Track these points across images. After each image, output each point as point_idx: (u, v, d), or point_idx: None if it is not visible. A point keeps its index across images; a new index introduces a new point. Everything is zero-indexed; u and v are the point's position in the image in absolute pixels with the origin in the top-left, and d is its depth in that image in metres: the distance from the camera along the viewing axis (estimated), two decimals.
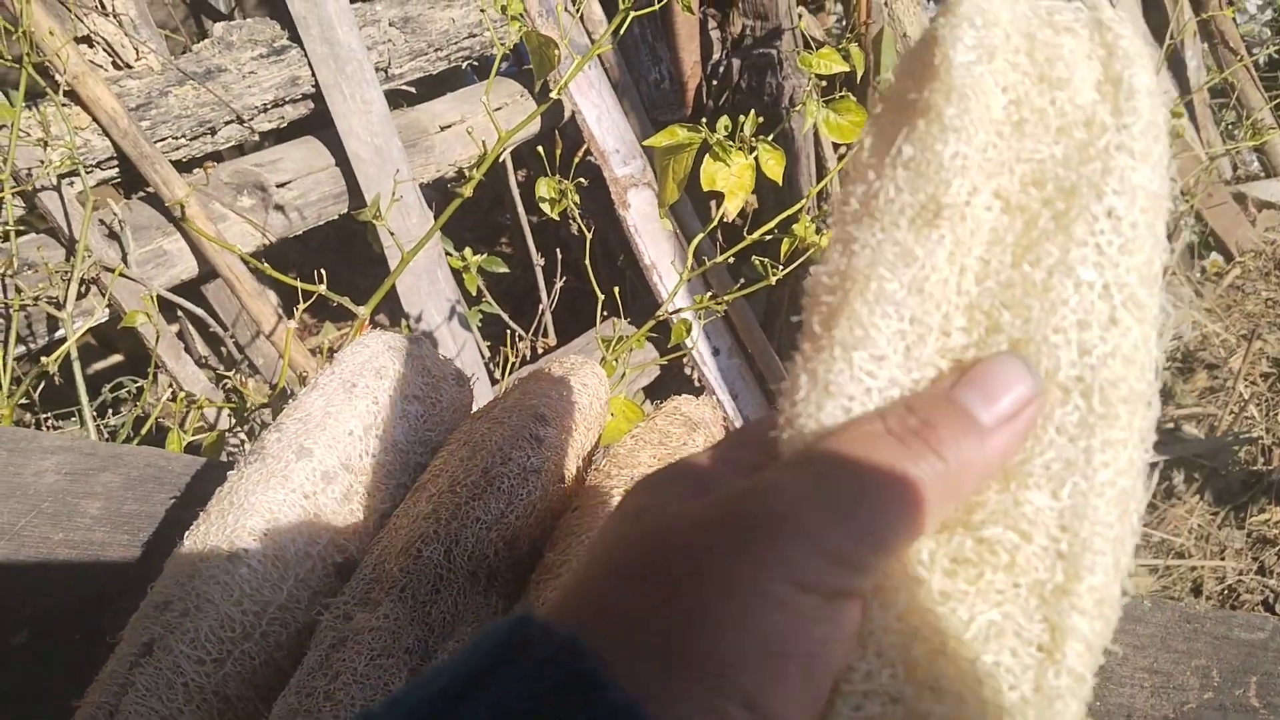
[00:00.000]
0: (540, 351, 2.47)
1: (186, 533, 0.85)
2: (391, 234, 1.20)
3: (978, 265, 0.38)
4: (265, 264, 1.25)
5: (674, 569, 0.33)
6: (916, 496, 0.34)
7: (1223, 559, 2.25)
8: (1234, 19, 3.00)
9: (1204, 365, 2.67)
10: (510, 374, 1.52)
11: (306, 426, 0.88)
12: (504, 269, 2.27)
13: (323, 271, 1.16)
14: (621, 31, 1.08)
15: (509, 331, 2.26)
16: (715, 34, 2.49)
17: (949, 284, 0.37)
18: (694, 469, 0.40)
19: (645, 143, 1.22)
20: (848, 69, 1.48)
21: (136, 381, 1.76)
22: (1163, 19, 2.91)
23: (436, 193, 2.39)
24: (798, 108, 1.37)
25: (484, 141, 1.08)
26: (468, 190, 1.13)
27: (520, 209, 2.51)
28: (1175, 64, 2.96)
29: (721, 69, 2.49)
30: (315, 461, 0.85)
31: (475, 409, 1.04)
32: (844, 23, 2.46)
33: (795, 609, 0.32)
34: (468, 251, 2.20)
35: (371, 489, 0.88)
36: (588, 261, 1.34)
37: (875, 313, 0.37)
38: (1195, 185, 2.86)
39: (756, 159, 1.26)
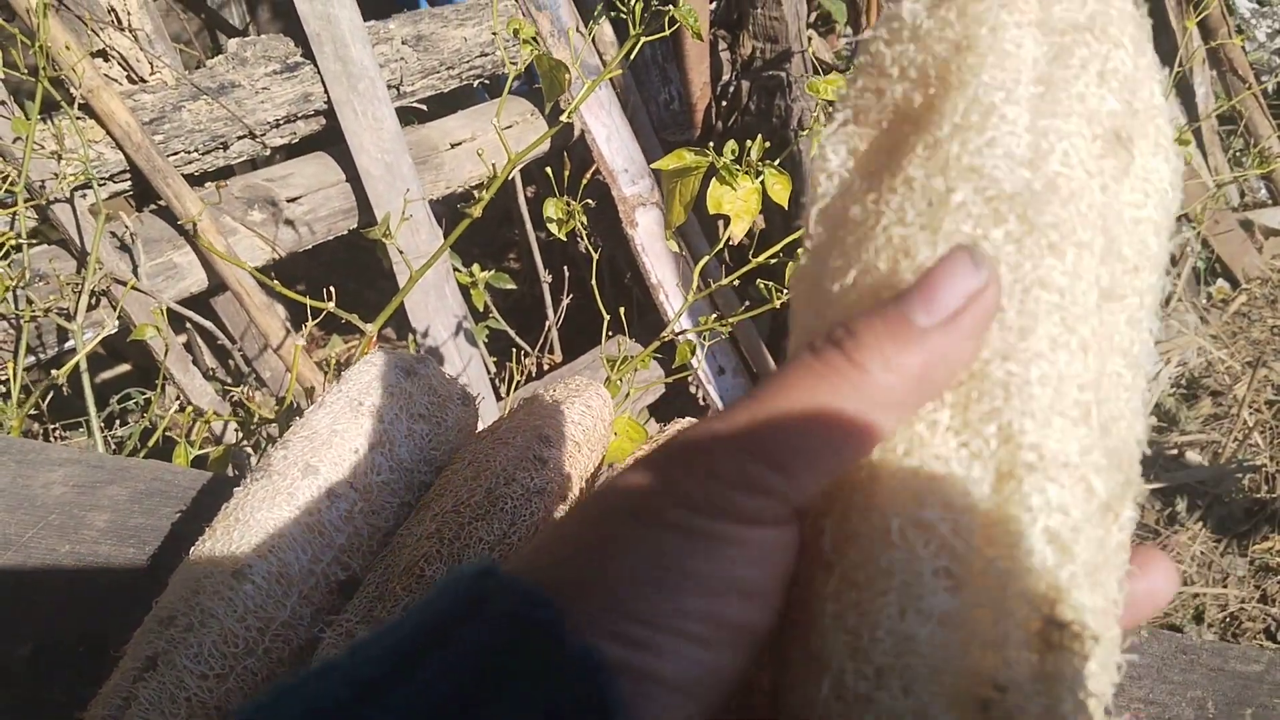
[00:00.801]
0: (546, 368, 2.48)
1: (192, 548, 0.85)
2: (400, 252, 1.21)
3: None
4: (275, 280, 1.26)
5: (592, 505, 0.35)
6: (830, 414, 0.33)
7: (1225, 586, 2.24)
8: (1243, 47, 3.01)
9: (1209, 392, 2.67)
10: (515, 390, 1.53)
11: (313, 444, 0.89)
12: (511, 286, 2.28)
13: (331, 289, 1.17)
14: (632, 56, 1.09)
15: (515, 348, 2.27)
16: (725, 56, 2.51)
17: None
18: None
19: (653, 165, 1.23)
20: None
21: (144, 393, 1.77)
22: (1172, 45, 2.91)
23: (446, 209, 2.40)
24: (806, 131, 1.38)
25: (494, 164, 1.09)
26: (476, 211, 1.14)
27: (528, 226, 2.52)
28: (1184, 91, 2.97)
29: (731, 90, 2.50)
30: (321, 479, 0.86)
31: (480, 428, 1.05)
32: (853, 46, 2.47)
33: (693, 531, 0.32)
34: (475, 268, 2.21)
35: (376, 507, 0.88)
36: (594, 281, 1.35)
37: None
38: (1202, 212, 2.86)
39: (763, 183, 1.27)
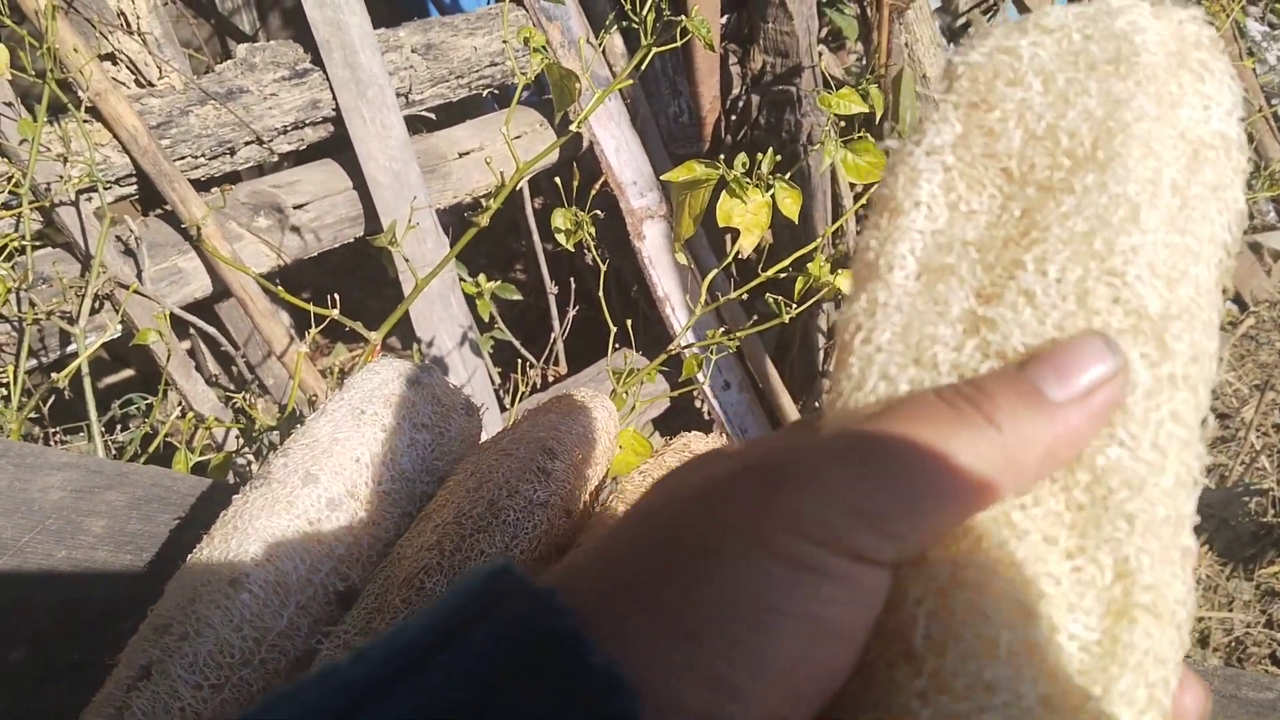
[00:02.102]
0: (551, 380, 2.47)
1: (189, 556, 0.84)
2: (406, 260, 1.20)
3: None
4: (279, 287, 1.26)
5: (669, 523, 0.31)
6: (960, 463, 0.31)
7: (1230, 610, 2.23)
8: (1254, 69, 3.00)
9: (1216, 414, 2.66)
10: (520, 402, 1.52)
11: (313, 452, 0.88)
12: (517, 296, 2.27)
13: (336, 296, 1.16)
14: (643, 67, 1.08)
15: (520, 359, 2.26)
16: (735, 69, 2.50)
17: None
18: (731, 449, 0.37)
19: (663, 177, 1.22)
20: (867, 110, 1.48)
21: (146, 398, 1.77)
22: None
23: (453, 218, 2.40)
24: (816, 146, 1.37)
25: (502, 172, 1.09)
26: (484, 220, 1.13)
27: (535, 237, 2.51)
28: None
29: (741, 104, 2.50)
30: (321, 488, 0.85)
31: (484, 438, 1.04)
32: (864, 62, 2.46)
33: (799, 563, 0.29)
34: (481, 278, 2.21)
35: (376, 517, 0.87)
36: (601, 293, 1.34)
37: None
38: None
39: (773, 197, 1.26)
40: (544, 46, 1.17)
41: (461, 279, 2.17)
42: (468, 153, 2.25)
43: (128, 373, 2.48)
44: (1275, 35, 3.19)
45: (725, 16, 2.47)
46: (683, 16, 1.08)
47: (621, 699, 0.27)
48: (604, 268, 1.29)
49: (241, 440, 1.58)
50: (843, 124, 1.58)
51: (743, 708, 0.28)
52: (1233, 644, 2.17)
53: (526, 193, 2.48)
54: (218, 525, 0.84)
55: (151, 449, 1.47)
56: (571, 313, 2.39)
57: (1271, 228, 3.11)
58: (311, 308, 1.17)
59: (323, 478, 0.85)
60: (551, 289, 2.49)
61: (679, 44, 1.12)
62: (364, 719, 0.27)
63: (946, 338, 0.35)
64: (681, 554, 0.30)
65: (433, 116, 2.24)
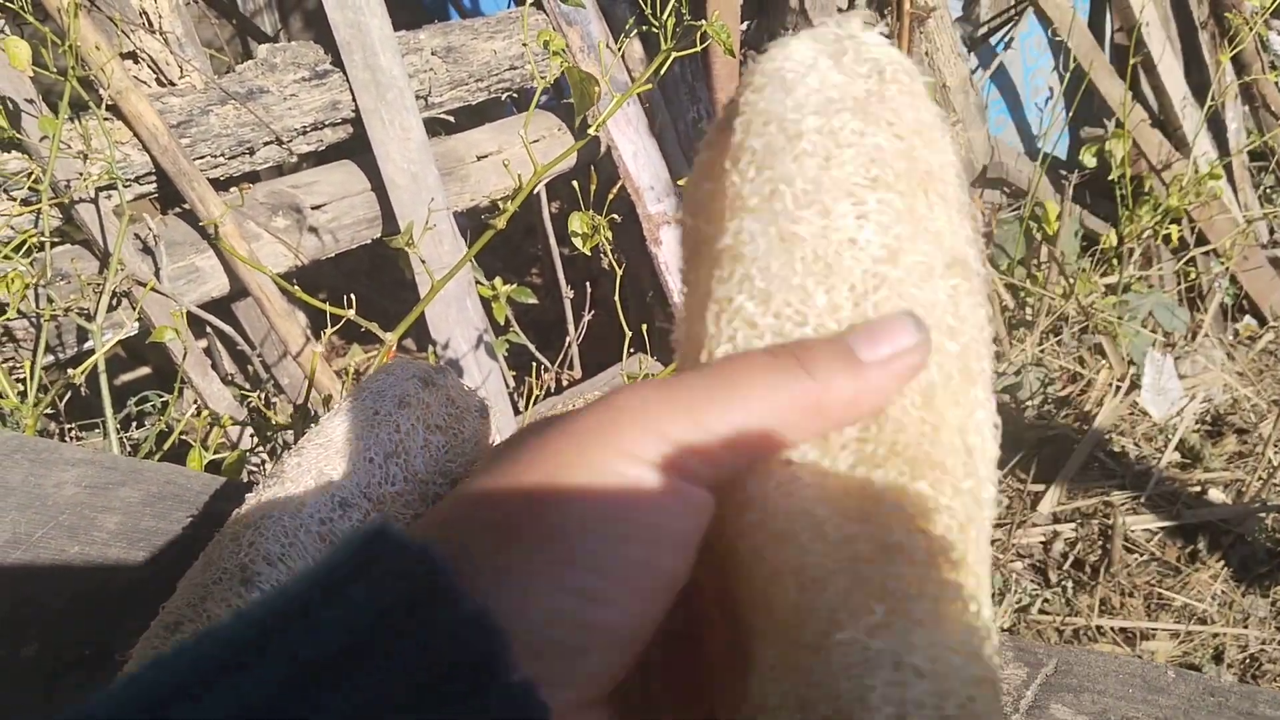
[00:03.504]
0: (565, 384, 2.47)
1: (201, 554, 0.84)
2: (423, 262, 1.20)
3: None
4: (297, 287, 1.26)
5: (528, 463, 0.35)
6: (772, 402, 0.37)
7: (1245, 627, 2.21)
8: (1276, 83, 2.99)
9: (1234, 430, 2.64)
10: (534, 405, 1.52)
11: (327, 452, 0.88)
12: (533, 300, 2.27)
13: (353, 296, 1.16)
14: (662, 72, 1.08)
15: (535, 363, 2.26)
16: None
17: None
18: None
19: (680, 182, 1.21)
20: None
21: (162, 396, 1.77)
22: (1204, 80, 2.90)
23: (470, 221, 2.40)
24: None
25: (520, 175, 1.09)
26: (501, 222, 1.13)
27: (552, 240, 2.51)
28: (1215, 126, 2.95)
29: None
30: (334, 487, 0.85)
31: (495, 441, 1.03)
32: None
33: (638, 480, 0.34)
34: (497, 281, 2.21)
35: (389, 519, 0.87)
36: (618, 298, 1.34)
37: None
38: (1231, 248, 2.84)
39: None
40: (564, 50, 1.17)
41: (478, 282, 2.18)
42: (485, 156, 2.25)
43: (144, 370, 2.49)
44: None
45: (745, 23, 2.46)
46: (702, 22, 1.08)
47: (489, 640, 0.30)
48: (620, 272, 1.29)
49: (256, 439, 1.58)
50: None
51: (604, 610, 0.33)
52: (1247, 660, 2.16)
53: (544, 196, 2.48)
54: (230, 523, 0.84)
55: (166, 447, 1.48)
56: (587, 317, 2.39)
57: None
58: (329, 308, 1.17)
59: (336, 477, 0.85)
60: (567, 293, 2.48)
61: (699, 49, 1.12)
62: (241, 674, 0.29)
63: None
64: (541, 482, 0.34)
65: (451, 119, 2.25)
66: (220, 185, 1.90)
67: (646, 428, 0.35)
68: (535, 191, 2.32)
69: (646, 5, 1.05)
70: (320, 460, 0.87)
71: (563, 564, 0.32)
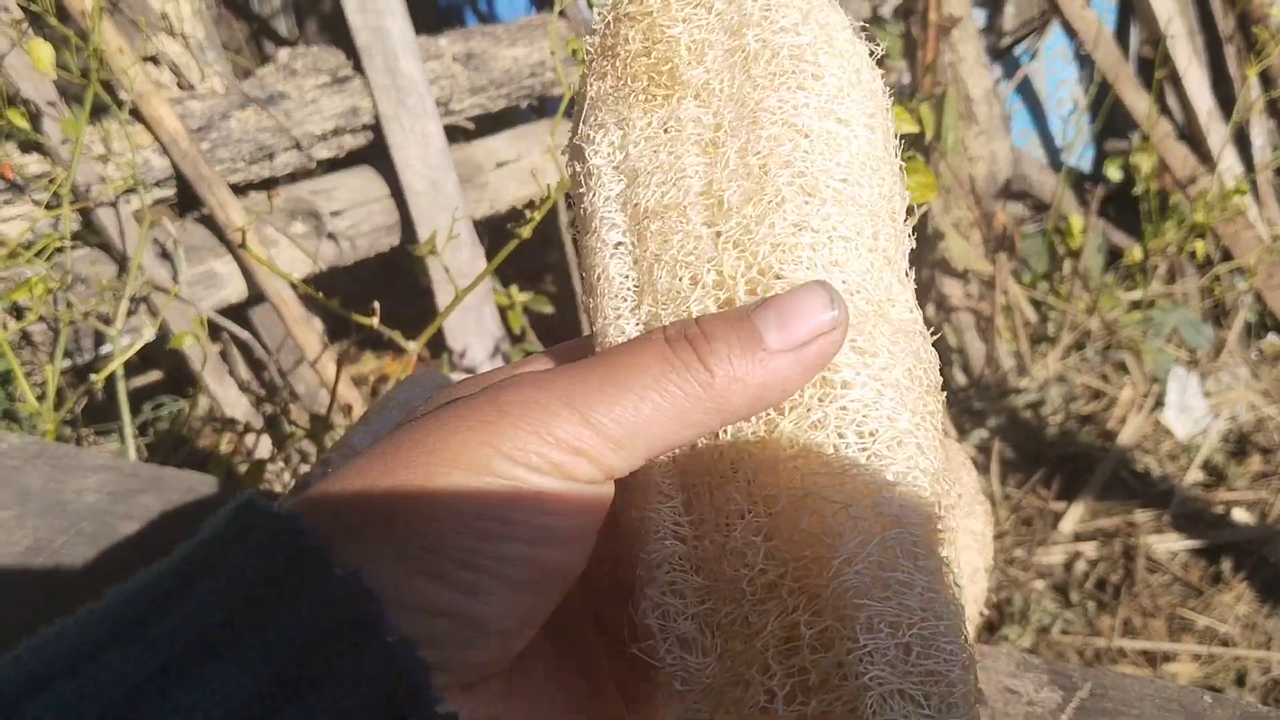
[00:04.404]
0: None
1: None
2: (446, 270, 1.19)
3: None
4: (319, 293, 1.24)
5: (408, 448, 0.35)
6: (667, 402, 0.35)
7: (1269, 649, 2.18)
8: None
9: (1258, 449, 2.61)
10: None
11: None
12: (549, 309, 2.25)
13: (376, 305, 1.14)
14: None
15: None
16: None
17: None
18: (481, 382, 0.41)
19: None
20: (917, 130, 1.45)
21: (177, 401, 1.75)
22: (1230, 94, 2.87)
23: (488, 229, 2.38)
24: None
25: (548, 185, 1.07)
26: (526, 231, 1.11)
27: (569, 248, 2.50)
28: (1241, 140, 2.93)
29: None
30: None
31: None
32: (906, 80, 2.44)
33: (521, 483, 0.33)
34: (514, 289, 2.19)
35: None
36: None
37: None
38: (1256, 264, 2.81)
39: None
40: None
41: (494, 289, 2.16)
42: (504, 163, 2.23)
43: (155, 374, 2.47)
44: None
45: None
46: None
47: (365, 602, 0.30)
48: None
49: (274, 449, 1.56)
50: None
51: (484, 603, 0.33)
52: (1270, 684, 2.13)
53: (561, 205, 2.46)
54: None
55: (181, 453, 1.46)
56: None
57: None
58: (353, 315, 1.15)
59: None
60: (583, 302, 2.47)
61: None
62: (118, 650, 0.30)
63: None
64: (417, 479, 0.33)
65: (471, 126, 2.23)
66: (239, 190, 1.89)
67: (533, 429, 0.34)
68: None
69: None
70: None
71: (436, 555, 0.32)
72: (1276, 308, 2.89)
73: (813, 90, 0.40)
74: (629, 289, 0.41)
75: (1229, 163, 2.85)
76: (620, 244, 0.41)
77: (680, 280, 0.39)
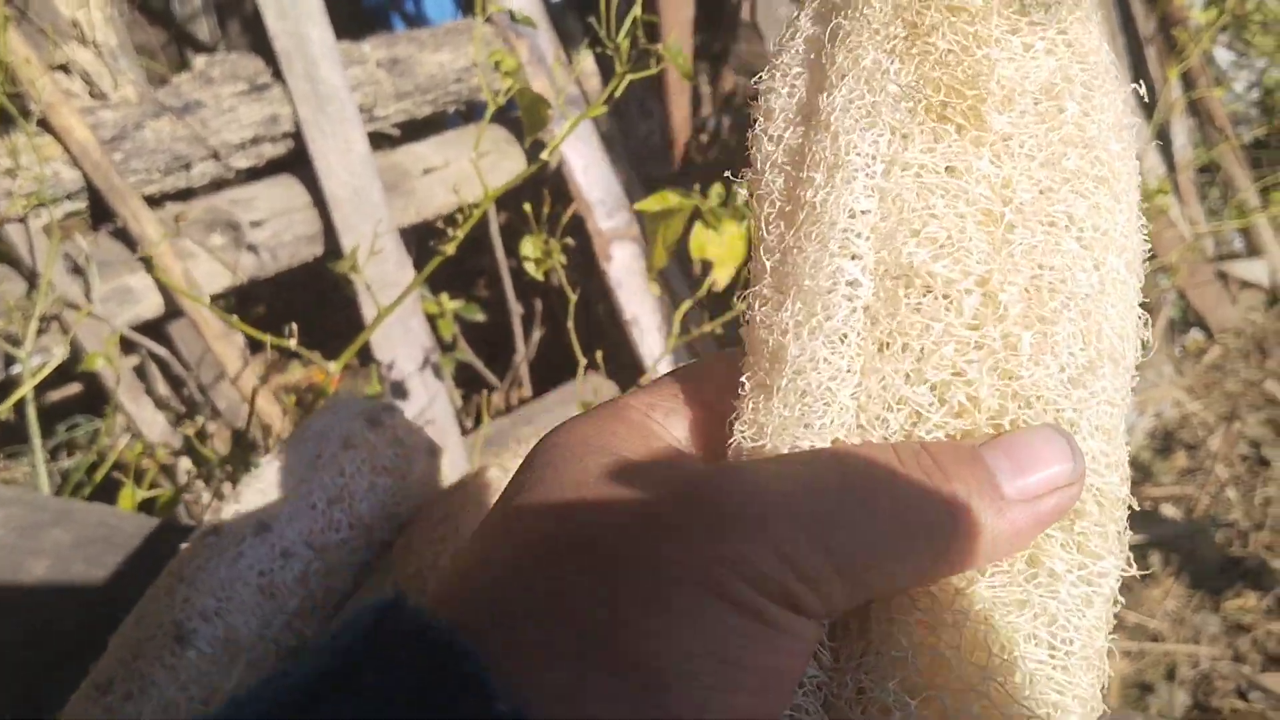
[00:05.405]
0: (516, 403, 2.42)
1: (134, 608, 0.80)
2: (368, 287, 1.16)
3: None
4: (234, 305, 1.21)
5: (607, 552, 0.29)
6: (916, 532, 0.30)
7: (1197, 644, 2.21)
8: (1222, 98, 3.02)
9: (1183, 445, 2.66)
10: (483, 427, 1.47)
11: (267, 498, 0.83)
12: (481, 317, 2.22)
13: (294, 326, 1.11)
14: (616, 94, 1.04)
15: (485, 387, 2.21)
16: (707, 90, 2.47)
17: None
18: (624, 433, 0.34)
19: (636, 206, 1.18)
20: None
21: (93, 421, 1.70)
22: (1152, 95, 2.91)
23: (416, 237, 2.34)
24: None
25: (469, 205, 1.04)
26: (450, 249, 1.09)
27: (500, 255, 2.46)
28: (1162, 139, 2.97)
29: (712, 125, 2.46)
30: (274, 537, 0.80)
31: (444, 465, 0.99)
32: None
33: (756, 614, 0.28)
34: (444, 297, 2.16)
35: (333, 568, 0.83)
36: (571, 324, 1.30)
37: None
38: (1178, 263, 2.85)
39: (748, 227, 1.23)
40: (515, 70, 1.13)
41: (423, 297, 2.12)
42: (432, 170, 2.20)
43: (75, 387, 2.40)
44: (1243, 63, 3.21)
45: (696, 35, 2.44)
46: (659, 45, 1.04)
47: None
48: (574, 297, 1.25)
49: (192, 473, 1.52)
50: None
51: None
52: (1199, 679, 2.16)
53: (492, 210, 2.43)
54: (163, 576, 0.80)
55: (97, 478, 1.41)
56: (537, 335, 2.35)
57: (1238, 256, 3.12)
58: (268, 338, 1.12)
59: (276, 526, 0.81)
60: (516, 310, 2.44)
61: (654, 71, 1.08)
62: None
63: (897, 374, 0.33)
64: (623, 590, 0.28)
65: (396, 132, 2.19)
66: (155, 202, 1.83)
67: (769, 548, 0.28)
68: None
69: (601, 26, 1.01)
70: (259, 507, 0.83)
71: (656, 696, 0.26)
72: (1199, 305, 2.94)
73: (1115, 215, 0.34)
74: (850, 349, 0.33)
75: (1151, 163, 2.89)
76: (855, 283, 0.33)
77: (921, 387, 0.32)
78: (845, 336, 0.33)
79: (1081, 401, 0.33)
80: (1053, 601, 0.32)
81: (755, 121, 0.37)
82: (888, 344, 0.33)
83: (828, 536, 0.29)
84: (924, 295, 0.33)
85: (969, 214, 0.33)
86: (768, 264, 0.35)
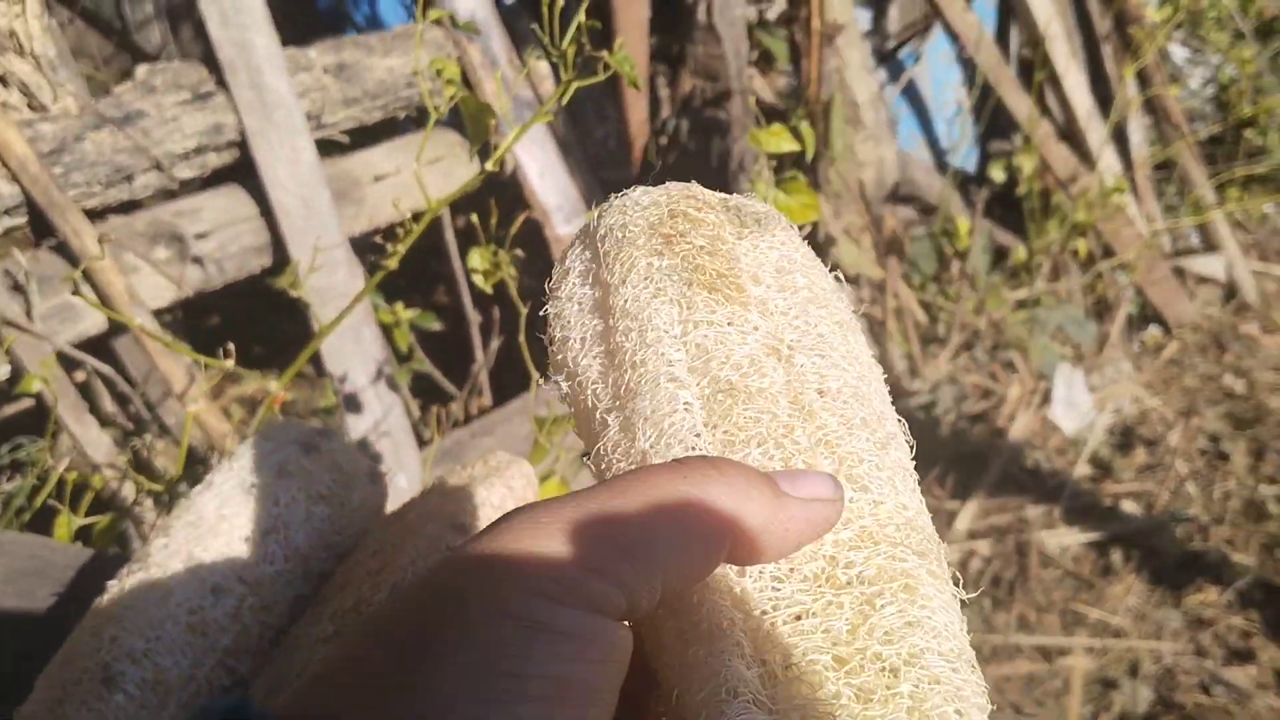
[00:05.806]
0: (475, 413, 2.39)
1: (62, 648, 0.76)
2: (308, 307, 1.13)
3: None
4: (170, 336, 1.17)
5: (407, 610, 0.31)
6: (686, 521, 0.33)
7: (1159, 639, 2.22)
8: (1176, 96, 3.03)
9: (1142, 441, 2.66)
10: (440, 438, 1.45)
11: (197, 531, 0.80)
12: (437, 326, 2.19)
13: (231, 346, 1.08)
14: (565, 100, 1.02)
15: (442, 400, 2.18)
16: (665, 92, 2.45)
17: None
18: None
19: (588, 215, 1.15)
20: (799, 149, 1.43)
21: (38, 442, 1.66)
22: (1109, 93, 2.92)
23: (368, 244, 2.31)
24: (751, 177, 1.32)
25: (419, 214, 1.02)
26: (393, 263, 1.06)
27: (456, 261, 2.43)
28: (1120, 138, 2.98)
29: (669, 128, 2.44)
30: (205, 571, 0.77)
31: (397, 490, 0.97)
32: (793, 83, 2.42)
33: (534, 624, 0.30)
34: (399, 306, 2.12)
35: (268, 602, 0.80)
36: (522, 337, 1.27)
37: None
38: (1136, 260, 2.86)
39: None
40: (458, 79, 1.10)
41: (377, 306, 2.09)
42: (384, 177, 2.16)
43: (26, 403, 2.35)
44: (1198, 60, 3.22)
45: (652, 37, 2.41)
46: (605, 53, 1.02)
47: None
48: (525, 311, 1.23)
49: (142, 490, 1.48)
50: (774, 161, 1.53)
51: None
52: (1163, 674, 2.16)
53: (447, 215, 2.40)
54: (89, 615, 0.77)
55: (38, 503, 1.37)
56: (495, 343, 2.31)
57: (1194, 252, 3.14)
58: (205, 360, 1.08)
59: (207, 560, 0.78)
60: (474, 318, 2.41)
61: (602, 78, 1.06)
62: None
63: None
64: (408, 638, 0.30)
65: (345, 139, 2.15)
66: (97, 215, 1.79)
67: (555, 555, 0.31)
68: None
69: (545, 34, 0.98)
70: (190, 542, 0.80)
71: None
72: (1156, 300, 2.95)
73: (854, 344, 0.47)
74: (704, 444, 0.42)
75: (1108, 161, 2.90)
76: (689, 405, 0.42)
77: (771, 460, 0.41)
78: (699, 434, 0.42)
79: (882, 467, 0.42)
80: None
81: (552, 339, 0.50)
82: (730, 442, 0.41)
83: (616, 533, 0.32)
84: (746, 403, 0.42)
85: (759, 348, 0.44)
86: (609, 419, 0.45)
